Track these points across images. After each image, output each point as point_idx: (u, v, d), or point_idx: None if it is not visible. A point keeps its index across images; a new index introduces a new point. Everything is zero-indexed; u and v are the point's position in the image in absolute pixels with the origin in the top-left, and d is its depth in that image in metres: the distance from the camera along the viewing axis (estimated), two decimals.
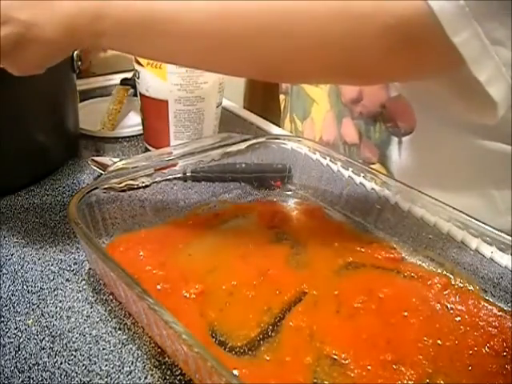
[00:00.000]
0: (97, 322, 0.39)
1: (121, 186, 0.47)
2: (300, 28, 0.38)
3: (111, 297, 0.42)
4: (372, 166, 0.57)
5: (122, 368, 0.36)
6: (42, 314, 0.40)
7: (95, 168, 0.54)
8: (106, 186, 0.46)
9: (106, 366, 0.36)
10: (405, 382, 0.35)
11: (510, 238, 0.41)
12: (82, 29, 0.40)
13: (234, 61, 0.42)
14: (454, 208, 0.44)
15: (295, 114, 0.71)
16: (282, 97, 0.77)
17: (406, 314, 0.40)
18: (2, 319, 0.39)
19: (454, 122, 0.50)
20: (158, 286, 0.41)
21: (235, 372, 0.34)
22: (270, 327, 0.38)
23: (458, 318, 0.40)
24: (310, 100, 0.67)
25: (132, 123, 0.71)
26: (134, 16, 0.39)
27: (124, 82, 0.78)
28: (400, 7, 0.36)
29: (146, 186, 0.49)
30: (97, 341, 0.38)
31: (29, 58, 0.40)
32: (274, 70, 0.42)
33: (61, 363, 0.36)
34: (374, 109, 0.56)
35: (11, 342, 0.37)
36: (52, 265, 0.45)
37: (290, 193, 0.55)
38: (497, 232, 0.42)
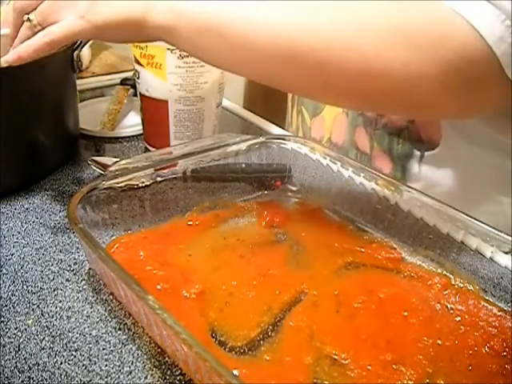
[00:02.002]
0: (97, 322, 0.39)
1: (121, 186, 0.47)
2: (362, 54, 0.38)
3: (111, 297, 0.42)
4: None
5: (122, 368, 0.36)
6: (42, 314, 0.40)
7: (95, 168, 0.54)
8: (105, 186, 0.46)
9: (106, 366, 0.36)
10: (405, 382, 0.35)
11: (510, 238, 0.41)
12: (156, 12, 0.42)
13: (297, 77, 0.42)
14: (454, 208, 0.44)
15: (305, 108, 0.70)
16: None
17: (406, 313, 0.40)
18: (2, 319, 0.39)
19: (482, 141, 0.50)
20: (158, 286, 0.41)
21: (235, 372, 0.34)
22: (270, 327, 0.38)
23: (458, 318, 0.40)
24: None
25: (132, 123, 0.71)
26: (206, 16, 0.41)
27: (124, 81, 0.78)
28: (461, 45, 0.36)
29: (146, 186, 0.49)
30: (97, 341, 0.38)
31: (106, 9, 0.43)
32: (326, 89, 0.42)
33: (61, 363, 0.36)
34: (401, 123, 0.55)
35: (11, 342, 0.37)
36: (52, 265, 0.45)
37: (289, 193, 0.55)
38: (497, 232, 0.42)
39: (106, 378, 0.35)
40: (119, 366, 0.36)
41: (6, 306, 0.40)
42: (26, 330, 0.38)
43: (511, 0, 0.35)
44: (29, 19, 0.45)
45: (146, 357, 0.37)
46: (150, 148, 0.64)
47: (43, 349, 0.37)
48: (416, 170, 0.55)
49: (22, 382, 0.35)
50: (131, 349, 0.37)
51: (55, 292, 0.42)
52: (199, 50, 0.44)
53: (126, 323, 0.39)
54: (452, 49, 0.36)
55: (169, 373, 0.36)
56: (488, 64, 0.36)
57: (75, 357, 0.36)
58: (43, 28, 0.45)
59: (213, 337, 0.37)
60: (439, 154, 0.53)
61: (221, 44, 0.41)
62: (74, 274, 0.44)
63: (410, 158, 0.55)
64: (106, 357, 0.37)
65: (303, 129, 0.71)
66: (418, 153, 0.54)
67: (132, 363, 0.36)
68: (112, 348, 0.37)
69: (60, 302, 0.41)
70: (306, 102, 0.70)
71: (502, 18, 0.36)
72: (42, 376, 0.35)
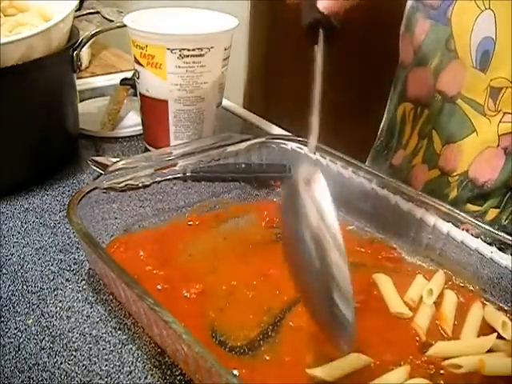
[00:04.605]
0: (97, 322, 0.39)
1: (121, 186, 0.47)
2: None
3: (111, 297, 0.42)
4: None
5: (122, 368, 0.36)
6: (42, 314, 0.40)
7: (95, 168, 0.54)
8: (105, 186, 0.46)
9: (106, 366, 0.36)
10: (405, 382, 0.35)
11: (510, 238, 0.41)
12: None
13: None
14: (453, 208, 0.44)
15: (437, 131, 0.62)
16: (408, 105, 0.66)
17: None
18: (2, 319, 0.39)
19: None
20: (158, 286, 0.41)
21: (235, 372, 0.34)
22: (270, 327, 0.38)
23: None
24: (468, 127, 0.58)
25: (132, 123, 0.71)
26: None
27: (124, 81, 0.77)
28: None
29: (146, 186, 0.49)
30: (97, 341, 0.38)
31: None
32: None
33: (61, 363, 0.36)
34: None
35: (11, 342, 0.37)
36: (52, 265, 0.45)
37: None
38: (497, 232, 0.42)
39: (106, 378, 0.35)
40: (119, 366, 0.36)
41: (6, 306, 0.40)
42: (26, 329, 0.38)
43: None
44: None
45: (146, 357, 0.37)
46: (150, 148, 0.64)
47: (43, 349, 0.37)
48: None
49: (22, 382, 0.35)
50: (131, 349, 0.37)
51: (55, 292, 0.42)
52: None
53: (125, 323, 0.39)
54: None
55: (169, 373, 0.36)
56: None
57: (75, 357, 0.36)
58: None
59: (213, 337, 0.37)
60: None
61: None
62: (74, 274, 0.44)
63: None
64: (106, 357, 0.37)
65: (426, 154, 0.63)
66: None
67: (132, 363, 0.36)
68: (112, 348, 0.37)
69: (60, 302, 0.41)
70: (442, 124, 0.61)
71: None
72: (41, 376, 0.35)
